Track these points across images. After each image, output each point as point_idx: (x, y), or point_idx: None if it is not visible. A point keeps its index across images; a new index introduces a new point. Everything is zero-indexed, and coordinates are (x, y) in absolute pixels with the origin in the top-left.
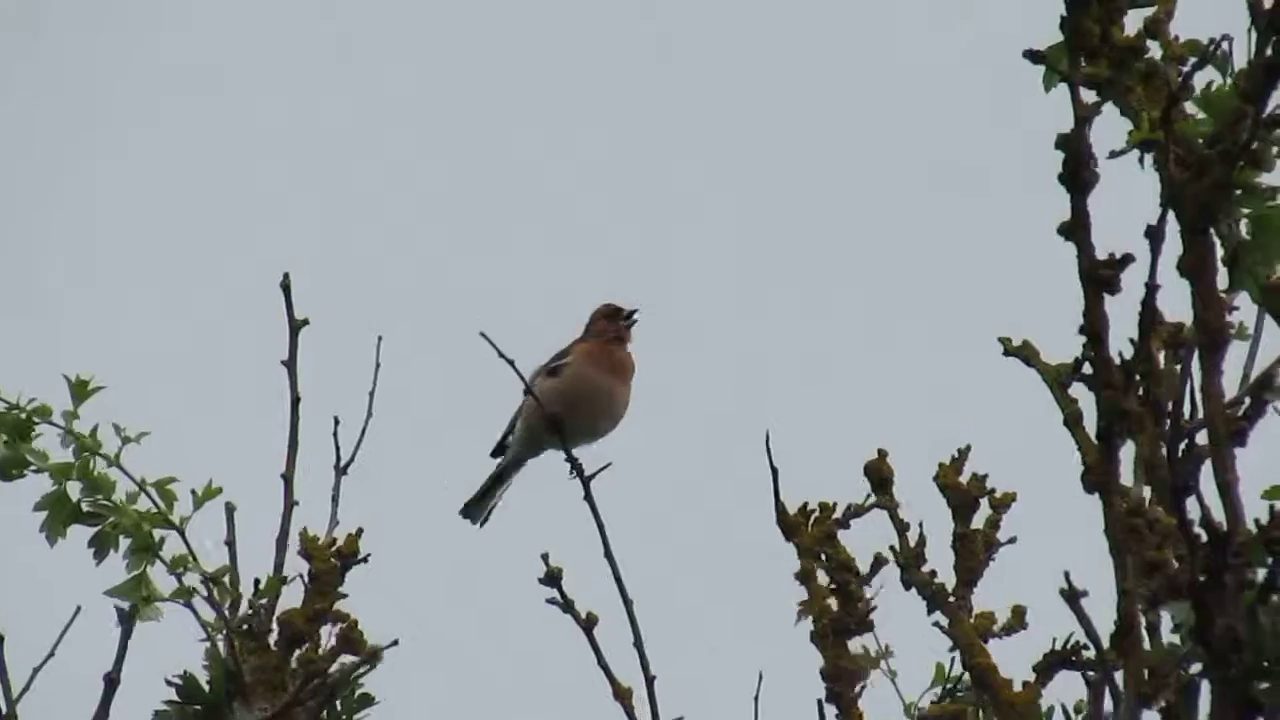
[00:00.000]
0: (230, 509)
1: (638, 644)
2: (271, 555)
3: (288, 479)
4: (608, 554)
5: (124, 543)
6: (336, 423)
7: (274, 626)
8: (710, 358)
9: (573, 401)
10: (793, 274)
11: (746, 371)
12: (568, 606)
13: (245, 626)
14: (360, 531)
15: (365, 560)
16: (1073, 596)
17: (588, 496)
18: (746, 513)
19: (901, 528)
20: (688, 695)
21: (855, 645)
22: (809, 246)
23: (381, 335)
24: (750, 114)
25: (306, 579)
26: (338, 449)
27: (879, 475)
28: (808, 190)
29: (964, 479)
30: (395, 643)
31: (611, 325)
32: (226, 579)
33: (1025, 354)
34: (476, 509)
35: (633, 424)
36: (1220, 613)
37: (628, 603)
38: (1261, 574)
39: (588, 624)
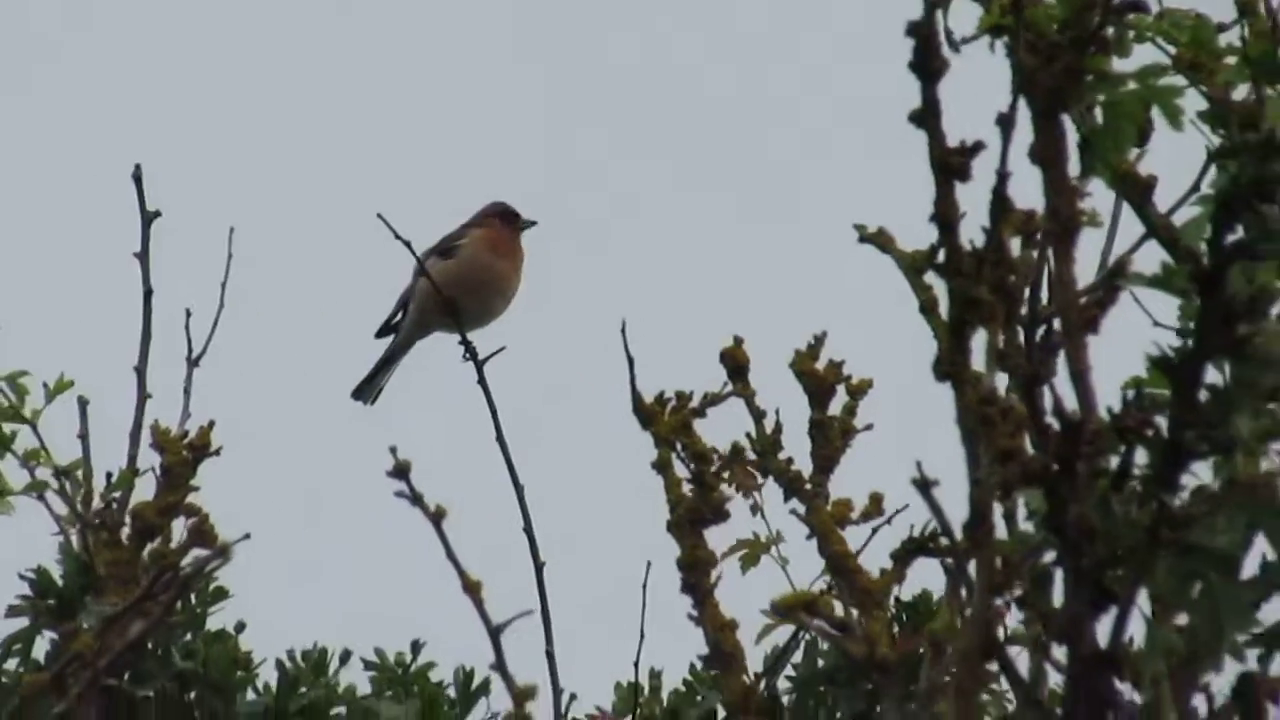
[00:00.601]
0: (83, 402)
1: (528, 529)
2: (125, 449)
3: (140, 371)
4: (500, 438)
5: None
6: (189, 315)
7: (126, 520)
8: (582, 249)
9: (468, 283)
10: (653, 165)
11: (615, 261)
12: (416, 499)
13: (98, 520)
14: (212, 424)
15: (218, 453)
16: (924, 485)
17: (481, 380)
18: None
19: (758, 415)
20: (572, 586)
21: (746, 532)
22: (669, 134)
23: (233, 226)
24: None
25: (158, 472)
26: (189, 341)
27: (735, 362)
28: (668, 76)
29: (820, 366)
30: (247, 536)
31: (505, 225)
32: (79, 473)
33: (880, 241)
34: (366, 390)
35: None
36: (1073, 501)
37: (519, 488)
38: (1115, 462)
39: (436, 516)
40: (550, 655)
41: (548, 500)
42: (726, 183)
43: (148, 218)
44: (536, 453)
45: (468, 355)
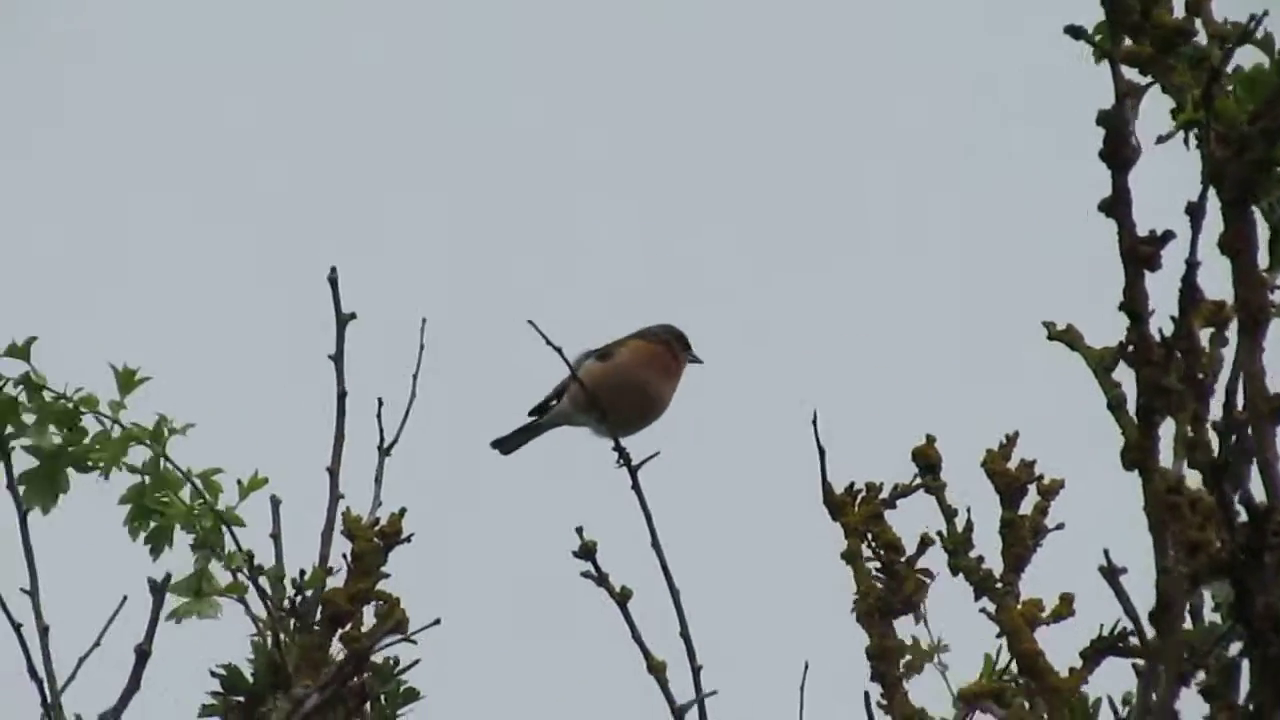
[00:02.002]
0: (275, 501)
1: (684, 633)
2: (316, 548)
3: (333, 472)
4: (655, 543)
5: (183, 536)
6: (380, 404)
7: (317, 607)
8: (751, 352)
9: (615, 386)
10: (834, 263)
11: (790, 361)
12: (602, 580)
13: (289, 608)
14: (403, 511)
15: (408, 540)
16: (1112, 573)
17: (635, 485)
18: (793, 499)
19: (949, 513)
20: (734, 687)
21: (907, 636)
22: (849, 232)
23: (425, 317)
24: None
25: (349, 559)
26: (381, 431)
27: (926, 460)
28: (834, 172)
29: (1011, 465)
30: (438, 621)
31: (669, 351)
32: (274, 573)
33: (1068, 339)
34: (506, 442)
35: (677, 416)
36: (1260, 591)
37: (674, 592)
38: None
39: (621, 598)
40: None
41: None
42: (911, 275)
43: (343, 319)
44: (698, 553)
45: (621, 461)
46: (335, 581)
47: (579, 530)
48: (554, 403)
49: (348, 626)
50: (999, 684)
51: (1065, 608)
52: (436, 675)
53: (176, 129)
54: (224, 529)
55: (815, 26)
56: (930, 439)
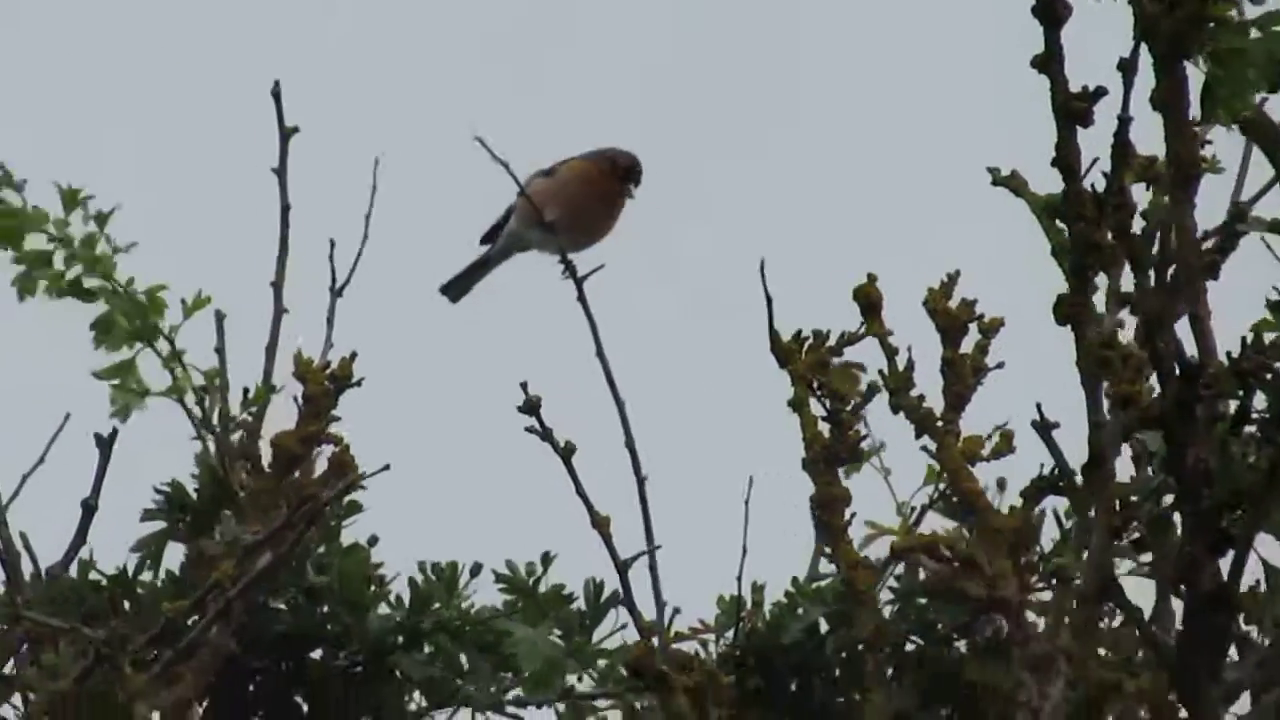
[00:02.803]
0: (220, 316)
1: (629, 444)
2: (261, 364)
3: (277, 286)
4: (600, 354)
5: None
6: (332, 245)
7: (262, 445)
8: (699, 192)
9: (565, 201)
10: (776, 104)
11: (739, 208)
12: (546, 435)
13: (239, 448)
14: (354, 355)
15: (359, 384)
16: (1044, 427)
17: (581, 297)
18: (740, 346)
19: (890, 352)
20: (677, 505)
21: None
22: (792, 73)
23: (379, 157)
24: None
25: (300, 401)
26: (333, 270)
27: (868, 300)
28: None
29: (953, 304)
30: (386, 467)
31: (613, 177)
32: (216, 382)
33: (1013, 184)
34: (455, 286)
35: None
36: (1192, 444)
37: (619, 403)
38: (1234, 406)
39: (565, 452)
40: (653, 569)
41: (653, 419)
42: (854, 119)
43: (286, 133)
44: (641, 375)
45: (566, 272)
46: (282, 415)
47: (523, 385)
48: (502, 229)
49: (298, 471)
50: (930, 535)
51: (1005, 444)
52: (383, 520)
53: None
54: (169, 343)
55: None
56: (871, 277)
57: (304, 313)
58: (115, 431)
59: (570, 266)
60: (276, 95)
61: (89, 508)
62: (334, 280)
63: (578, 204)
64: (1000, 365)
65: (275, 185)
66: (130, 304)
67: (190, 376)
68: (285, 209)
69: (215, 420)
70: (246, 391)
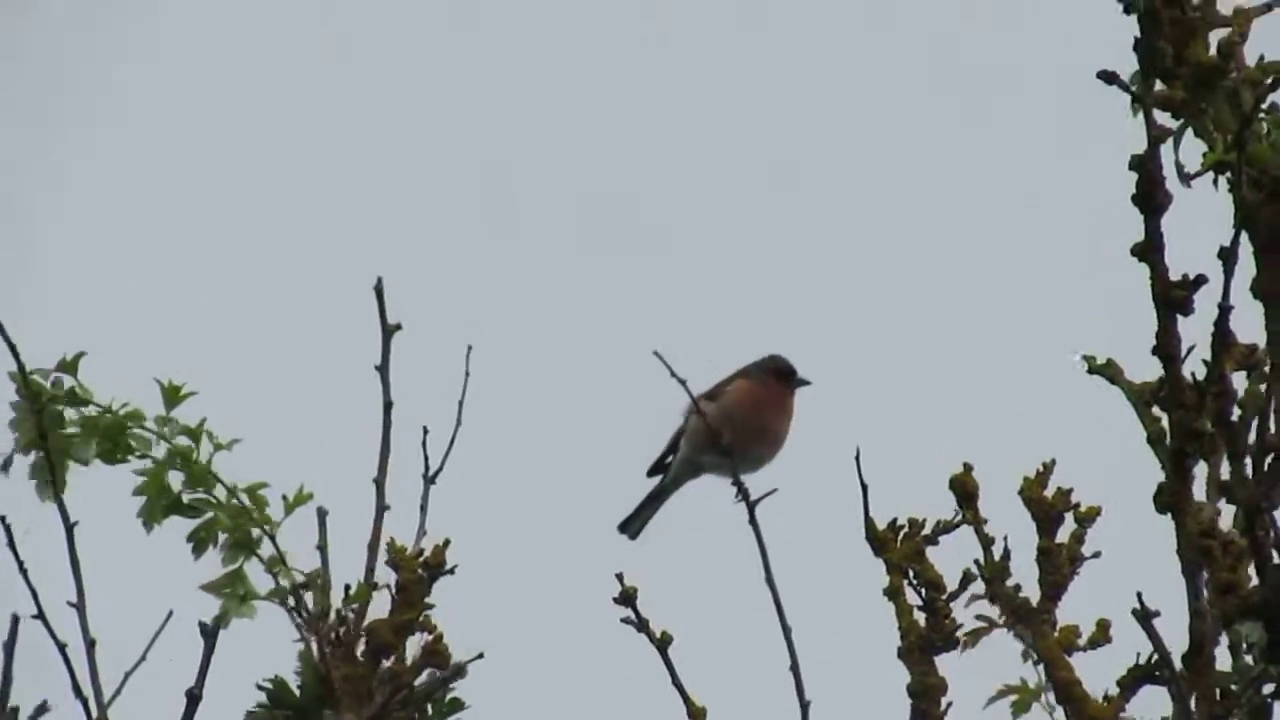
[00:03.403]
0: (322, 514)
1: (794, 668)
2: (362, 562)
3: (379, 484)
4: (769, 579)
5: (221, 539)
6: (426, 432)
7: (361, 635)
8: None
9: (735, 423)
10: (867, 292)
11: (831, 396)
12: (642, 626)
13: (334, 635)
14: (448, 542)
15: (452, 571)
16: (1145, 616)
17: (752, 520)
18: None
19: (986, 542)
20: None
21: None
22: (879, 261)
23: (471, 345)
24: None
25: (393, 589)
26: (426, 458)
27: (964, 489)
28: (859, 194)
29: (1048, 493)
30: (480, 656)
31: (778, 382)
32: (319, 582)
33: (1109, 372)
34: (632, 523)
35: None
36: None
37: (786, 629)
38: None
39: (662, 643)
40: None
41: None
42: (946, 313)
43: (389, 330)
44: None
45: (740, 496)
46: (379, 605)
47: (619, 576)
48: (670, 459)
49: (391, 659)
50: None
51: (1102, 634)
52: (478, 711)
53: (219, 136)
54: (264, 535)
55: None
56: (967, 467)
57: (399, 501)
58: (220, 618)
59: (743, 489)
60: (379, 292)
61: (193, 698)
62: (427, 467)
63: (751, 424)
64: (1097, 554)
65: (378, 382)
66: (232, 512)
67: (293, 576)
68: (387, 406)
69: (317, 618)
70: (348, 588)
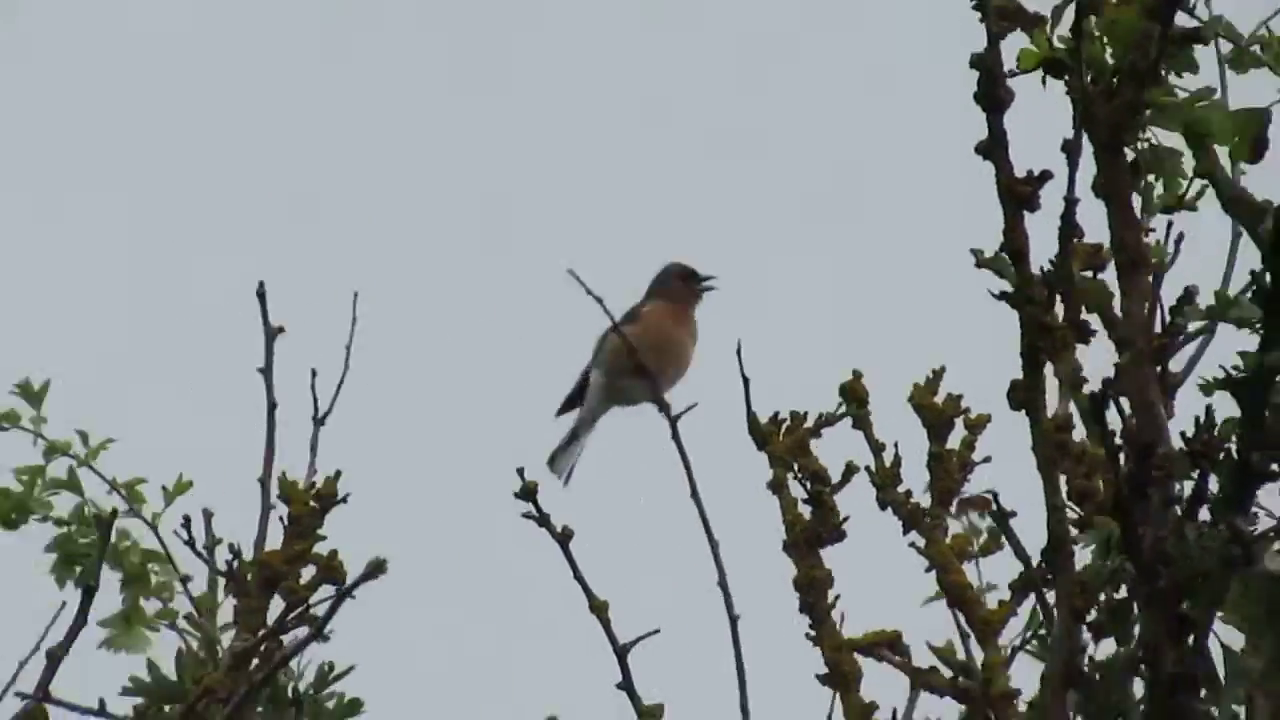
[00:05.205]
0: (208, 514)
1: (722, 583)
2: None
3: (264, 483)
4: (694, 495)
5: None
6: (314, 375)
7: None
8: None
9: (652, 348)
10: (763, 199)
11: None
12: (543, 520)
13: (225, 570)
14: (338, 474)
15: (344, 501)
16: (1001, 517)
17: (675, 436)
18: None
19: (876, 447)
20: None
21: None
22: (762, 166)
23: (357, 291)
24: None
25: (285, 521)
26: (315, 400)
27: (854, 395)
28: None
29: (939, 399)
30: (376, 571)
31: (687, 286)
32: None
33: (997, 265)
34: (558, 463)
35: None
36: (1146, 527)
37: (714, 544)
38: (1187, 488)
39: (563, 537)
40: (744, 709)
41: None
42: (830, 216)
43: (271, 333)
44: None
45: (662, 411)
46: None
47: (520, 471)
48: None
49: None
50: (890, 632)
51: (993, 542)
52: (375, 640)
53: (94, 136)
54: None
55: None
56: (857, 374)
57: (289, 442)
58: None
59: (665, 406)
60: (261, 296)
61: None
62: (316, 408)
63: (670, 344)
64: (987, 460)
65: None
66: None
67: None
68: (272, 407)
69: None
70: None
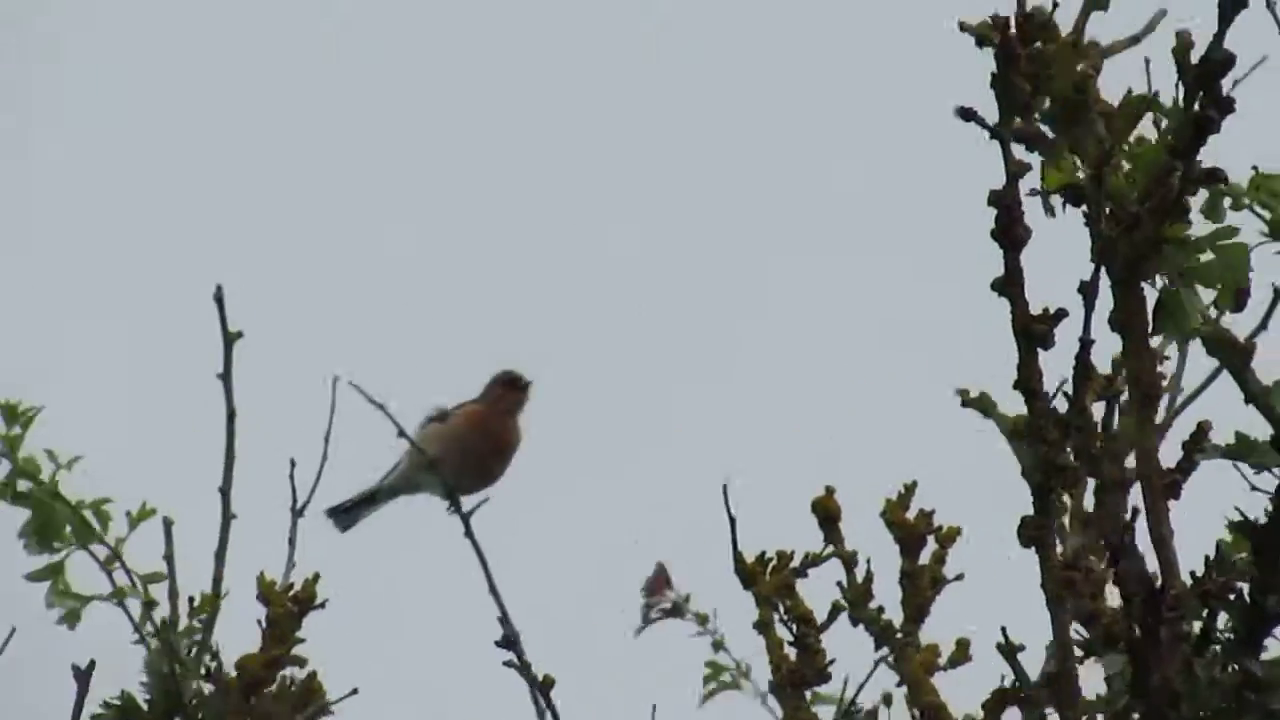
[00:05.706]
0: (168, 524)
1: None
2: (210, 570)
3: (224, 492)
4: (492, 589)
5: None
6: (293, 465)
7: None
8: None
9: (455, 447)
10: (742, 323)
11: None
12: (524, 669)
13: (188, 649)
14: (317, 576)
15: (323, 605)
16: (1010, 651)
17: (469, 533)
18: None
19: (849, 562)
20: None
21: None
22: (740, 280)
23: (336, 375)
24: None
25: (263, 624)
26: (294, 491)
27: (826, 512)
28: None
29: (910, 515)
30: (354, 691)
31: (509, 393)
32: (165, 585)
33: (983, 405)
34: (345, 517)
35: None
36: (1156, 665)
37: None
38: (1197, 627)
39: (545, 685)
40: None
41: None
42: (813, 333)
43: (230, 339)
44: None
45: (452, 509)
46: (250, 646)
47: (501, 619)
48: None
49: (262, 693)
50: None
51: (961, 654)
52: None
53: (50, 140)
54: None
55: None
56: (830, 490)
57: (266, 534)
58: (93, 664)
59: (456, 503)
60: (219, 300)
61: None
62: (294, 500)
63: (469, 450)
64: (959, 577)
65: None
66: (65, 508)
67: (135, 584)
68: (230, 415)
69: (164, 628)
70: (193, 600)
